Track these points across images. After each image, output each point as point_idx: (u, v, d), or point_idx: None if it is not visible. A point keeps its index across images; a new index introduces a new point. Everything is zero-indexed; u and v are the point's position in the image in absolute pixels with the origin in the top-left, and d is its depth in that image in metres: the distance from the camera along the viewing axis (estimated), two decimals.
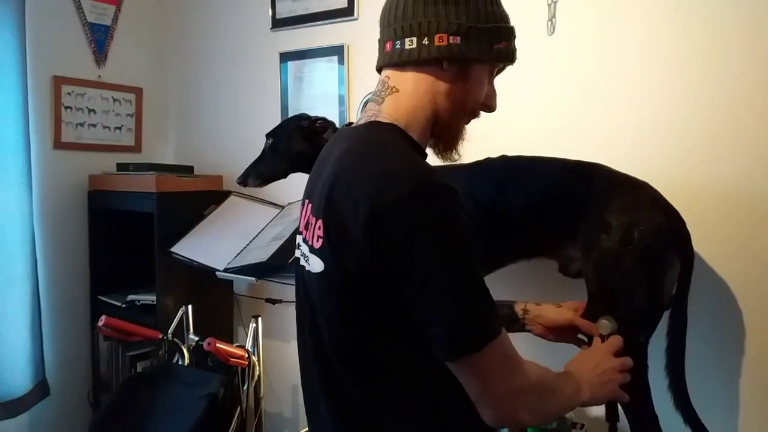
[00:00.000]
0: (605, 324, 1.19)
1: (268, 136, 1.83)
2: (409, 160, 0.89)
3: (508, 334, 0.89)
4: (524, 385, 0.89)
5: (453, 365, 0.87)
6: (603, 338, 1.18)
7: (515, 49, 1.03)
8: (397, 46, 0.98)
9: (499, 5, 1.01)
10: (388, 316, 0.89)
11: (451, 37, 0.95)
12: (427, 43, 0.96)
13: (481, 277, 0.87)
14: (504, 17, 1.01)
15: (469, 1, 0.97)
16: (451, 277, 0.83)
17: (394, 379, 0.93)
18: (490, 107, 1.06)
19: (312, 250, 0.94)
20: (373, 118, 1.00)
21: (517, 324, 1.32)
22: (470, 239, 0.86)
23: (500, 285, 0.90)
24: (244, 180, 1.83)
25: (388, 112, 0.99)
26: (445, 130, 1.02)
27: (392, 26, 0.99)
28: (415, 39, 0.96)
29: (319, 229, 0.91)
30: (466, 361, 0.85)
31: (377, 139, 0.95)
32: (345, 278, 0.89)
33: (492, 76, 1.05)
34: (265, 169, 1.82)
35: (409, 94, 0.99)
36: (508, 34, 1.01)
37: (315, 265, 0.93)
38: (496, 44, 0.99)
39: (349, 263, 0.87)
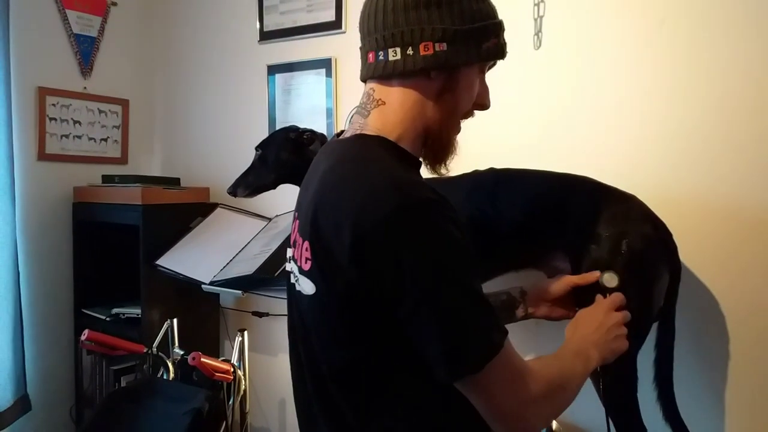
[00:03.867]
0: (610, 276, 1.13)
1: (257, 148, 1.85)
2: (390, 177, 0.85)
3: (512, 325, 0.88)
4: (532, 395, 0.86)
5: (457, 385, 0.84)
6: (605, 293, 1.13)
7: (505, 44, 0.99)
8: (381, 58, 0.94)
9: (484, 1, 0.96)
10: (381, 338, 0.87)
11: (436, 45, 0.91)
12: (412, 53, 0.91)
13: (478, 290, 0.84)
14: (490, 13, 0.97)
15: (452, 2, 0.92)
16: (443, 297, 0.80)
17: (391, 402, 0.90)
18: (484, 105, 1.03)
19: (301, 271, 0.91)
20: (359, 131, 0.97)
21: (518, 308, 1.29)
22: (462, 252, 0.83)
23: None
24: (233, 190, 1.86)
25: (374, 125, 0.96)
26: (437, 142, 0.98)
27: (373, 35, 0.94)
28: (398, 49, 0.92)
29: (307, 251, 0.89)
30: (469, 381, 0.82)
31: (360, 155, 0.92)
32: (336, 301, 0.86)
33: (482, 74, 1.01)
34: (254, 180, 1.85)
35: (397, 107, 0.95)
36: (497, 30, 0.97)
37: (306, 287, 0.90)
38: (484, 44, 0.95)
39: (338, 286, 0.85)
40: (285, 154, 1.79)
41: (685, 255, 1.35)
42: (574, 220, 1.31)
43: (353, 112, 2.03)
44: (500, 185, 1.43)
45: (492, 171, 1.47)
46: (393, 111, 0.96)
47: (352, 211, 0.82)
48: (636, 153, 1.61)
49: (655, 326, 1.33)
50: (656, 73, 1.58)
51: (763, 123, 1.45)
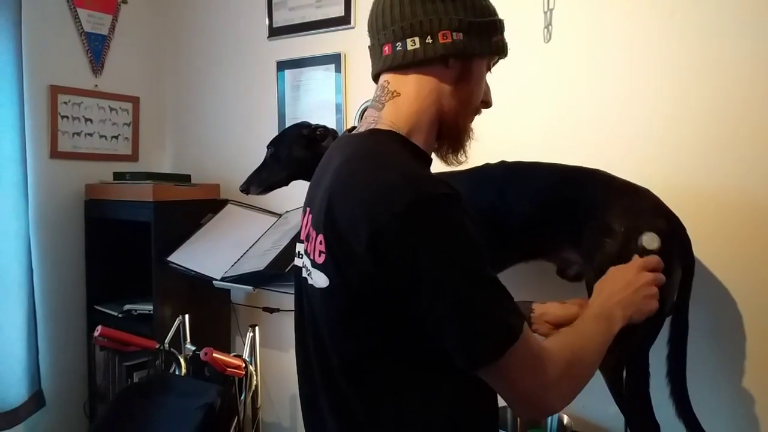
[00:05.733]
0: (651, 238, 1.11)
1: (269, 145, 1.84)
2: (406, 172, 0.86)
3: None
4: (553, 377, 0.86)
5: (479, 372, 0.84)
6: (643, 255, 1.12)
7: (507, 43, 1.03)
8: (399, 48, 0.96)
9: None
10: (394, 331, 0.87)
11: (454, 34, 0.94)
12: (431, 41, 0.94)
13: (494, 279, 0.84)
14: (494, 11, 1.01)
15: None
16: (461, 288, 0.81)
17: (400, 395, 0.90)
18: (488, 103, 1.05)
19: (314, 264, 0.91)
20: (372, 125, 0.97)
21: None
22: (476, 244, 0.83)
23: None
24: (246, 188, 1.84)
25: (388, 118, 0.97)
26: (453, 130, 1.00)
27: (389, 28, 0.96)
28: (417, 39, 0.94)
29: (321, 244, 0.89)
30: (489, 368, 0.83)
31: (375, 149, 0.93)
32: (350, 293, 0.87)
33: (488, 71, 1.04)
34: (267, 177, 1.83)
35: (412, 97, 0.97)
36: (502, 27, 1.01)
37: (319, 280, 0.91)
38: (493, 38, 0.99)
39: (353, 278, 0.85)
40: (298, 150, 1.78)
41: (697, 249, 1.33)
42: (584, 213, 1.30)
43: (364, 106, 2.06)
44: (510, 178, 1.43)
45: (502, 164, 1.47)
46: (408, 102, 0.97)
47: (368, 204, 0.83)
48: (646, 146, 1.60)
49: (667, 322, 1.32)
50: (667, 66, 1.57)
51: None
